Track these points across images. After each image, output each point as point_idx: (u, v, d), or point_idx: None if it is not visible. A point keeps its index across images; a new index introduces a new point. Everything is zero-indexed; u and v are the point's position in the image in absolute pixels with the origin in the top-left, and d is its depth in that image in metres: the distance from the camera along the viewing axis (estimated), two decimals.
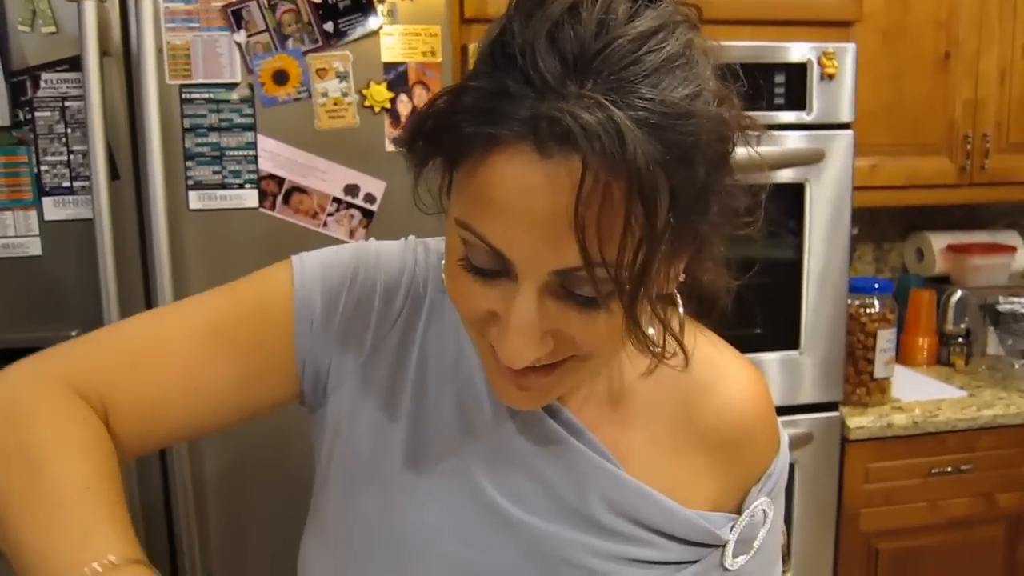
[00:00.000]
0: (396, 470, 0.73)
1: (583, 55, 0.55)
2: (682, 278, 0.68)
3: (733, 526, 0.77)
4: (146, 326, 0.76)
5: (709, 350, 0.79)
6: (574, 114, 0.53)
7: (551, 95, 0.55)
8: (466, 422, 0.74)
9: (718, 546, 0.77)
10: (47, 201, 1.54)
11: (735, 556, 0.77)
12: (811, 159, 1.97)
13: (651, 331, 0.68)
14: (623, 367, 0.76)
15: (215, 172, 1.55)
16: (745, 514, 0.77)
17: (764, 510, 0.78)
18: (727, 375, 0.79)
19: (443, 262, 0.72)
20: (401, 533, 0.72)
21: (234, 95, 1.54)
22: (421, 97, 1.59)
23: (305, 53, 1.55)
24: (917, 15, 2.32)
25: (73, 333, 1.53)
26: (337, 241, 1.60)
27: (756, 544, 0.79)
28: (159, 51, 1.50)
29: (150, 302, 1.55)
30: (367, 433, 0.74)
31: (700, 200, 0.59)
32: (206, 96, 1.53)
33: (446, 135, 0.59)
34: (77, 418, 0.69)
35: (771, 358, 2.04)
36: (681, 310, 0.70)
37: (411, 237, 0.81)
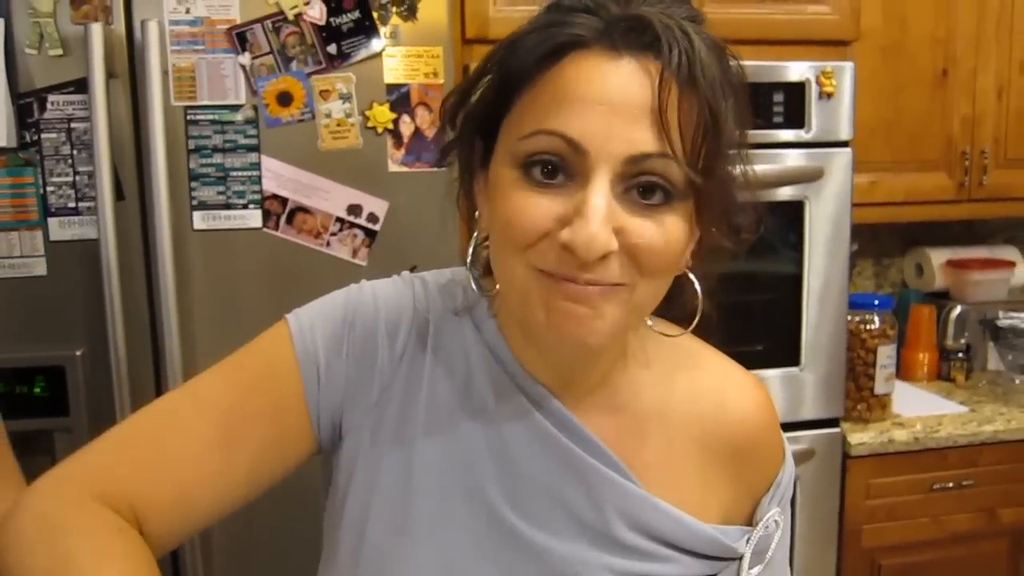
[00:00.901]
0: (414, 501, 0.73)
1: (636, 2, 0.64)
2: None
3: (748, 538, 0.78)
4: (160, 422, 0.76)
5: (715, 364, 0.82)
6: (652, 13, 0.62)
7: (612, 4, 0.63)
8: (481, 443, 0.74)
9: (734, 559, 0.78)
10: (53, 221, 1.55)
11: (750, 567, 0.78)
12: (810, 177, 1.98)
13: (649, 323, 0.75)
14: (636, 379, 0.78)
15: (219, 192, 1.57)
16: (759, 525, 0.79)
17: (776, 520, 0.80)
18: (733, 387, 0.81)
19: (449, 298, 0.75)
20: (422, 562, 0.72)
21: (238, 116, 1.56)
22: (423, 118, 1.61)
23: (309, 75, 1.56)
24: (915, 33, 2.34)
25: (78, 353, 1.54)
26: (340, 261, 1.61)
27: (769, 555, 0.80)
28: (164, 73, 1.52)
29: (154, 322, 1.56)
30: (383, 469, 0.74)
31: (739, 138, 0.67)
32: (211, 117, 1.55)
33: (515, 59, 0.65)
34: (112, 530, 0.69)
35: (772, 374, 2.05)
36: (698, 286, 0.74)
37: (404, 273, 0.81)
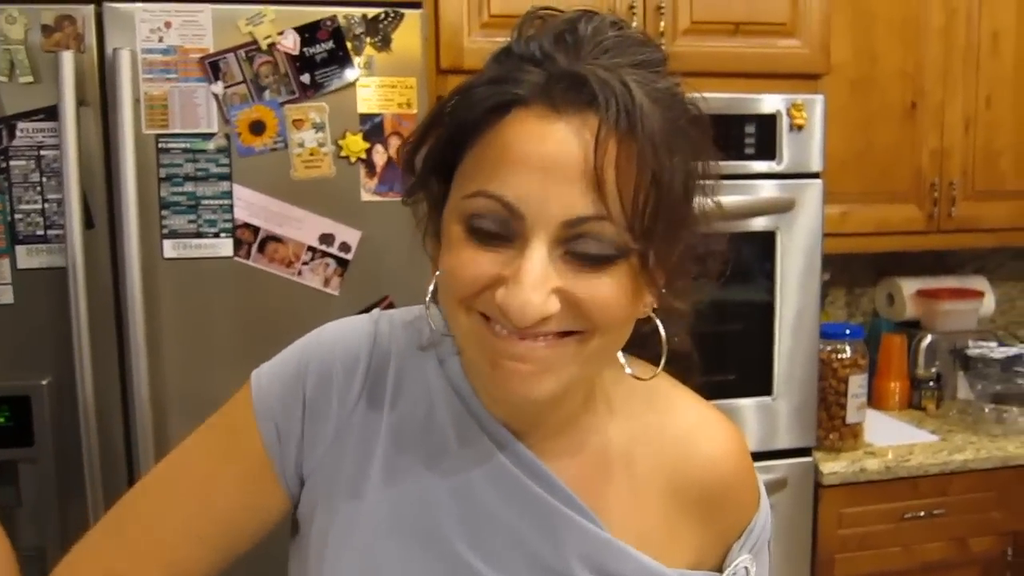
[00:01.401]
0: (373, 541, 0.73)
1: (584, 46, 0.63)
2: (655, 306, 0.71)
3: None
4: (144, 502, 0.80)
5: (687, 406, 0.80)
6: (590, 70, 0.61)
7: (558, 57, 0.63)
8: (440, 486, 0.73)
9: None
10: (20, 249, 1.53)
11: None
12: (782, 208, 2.00)
13: (628, 370, 0.73)
14: (602, 421, 0.77)
15: (190, 221, 1.56)
16: (727, 572, 0.78)
17: (746, 567, 0.79)
18: (706, 430, 0.79)
19: (413, 334, 0.75)
20: None
21: (210, 145, 1.55)
22: (397, 148, 1.61)
23: (282, 104, 1.57)
24: (884, 67, 2.38)
25: (44, 382, 1.52)
26: (312, 290, 1.61)
27: None
28: (136, 101, 1.52)
29: (123, 352, 1.55)
30: (340, 513, 0.74)
31: (687, 189, 0.65)
32: (183, 146, 1.55)
33: (463, 110, 0.64)
34: None
35: (744, 404, 2.06)
36: (662, 330, 0.72)
37: (374, 311, 0.81)
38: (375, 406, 0.75)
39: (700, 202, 0.69)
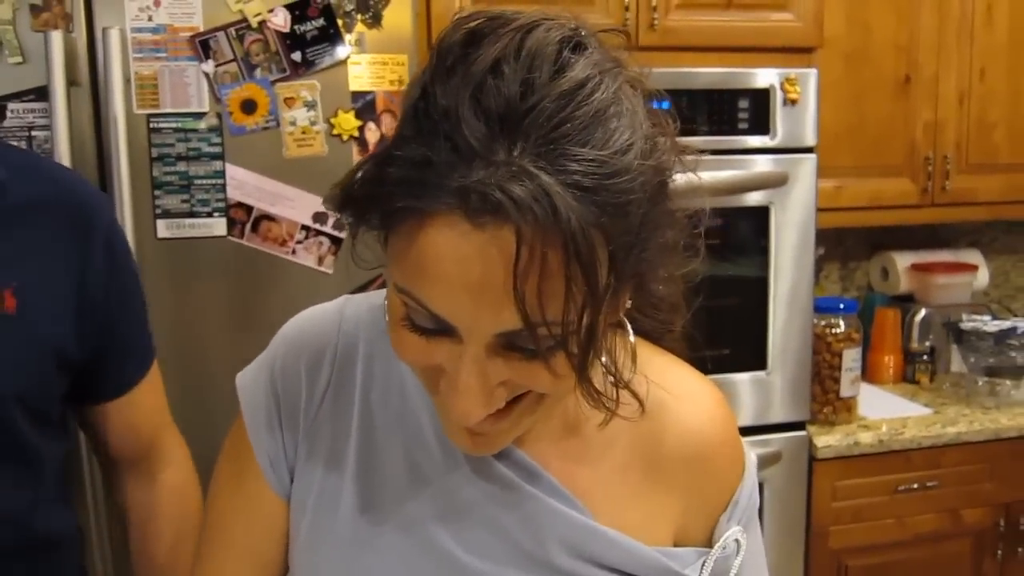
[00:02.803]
0: (352, 531, 0.72)
1: (509, 117, 0.54)
2: (629, 304, 0.67)
3: (704, 561, 0.75)
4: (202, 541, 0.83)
5: (669, 372, 0.77)
6: (503, 187, 0.52)
7: (479, 162, 0.53)
8: (418, 473, 0.73)
9: None
10: None
11: None
12: (775, 182, 2.00)
13: (604, 359, 0.66)
14: (581, 400, 0.73)
15: (183, 201, 1.56)
16: (717, 546, 0.76)
17: (737, 540, 0.76)
18: (685, 396, 0.77)
19: (384, 316, 0.73)
20: None
21: (202, 124, 1.55)
22: (389, 125, 1.61)
23: (273, 82, 1.56)
24: (878, 40, 2.37)
25: None
26: (306, 269, 1.61)
27: (732, 575, 0.77)
28: (127, 81, 1.51)
29: None
30: (320, 501, 0.74)
31: (638, 247, 0.58)
32: (174, 125, 1.54)
33: (375, 208, 0.58)
34: None
35: (739, 378, 2.07)
36: (631, 337, 0.68)
37: (343, 296, 0.81)
38: (345, 396, 0.75)
39: (667, 245, 0.64)
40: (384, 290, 0.75)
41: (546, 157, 0.53)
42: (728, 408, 0.80)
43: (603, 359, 0.63)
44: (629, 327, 0.69)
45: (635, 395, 0.67)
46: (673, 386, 0.76)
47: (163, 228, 1.56)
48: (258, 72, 1.55)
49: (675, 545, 0.76)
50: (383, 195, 0.56)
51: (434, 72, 0.57)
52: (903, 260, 2.69)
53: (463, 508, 0.72)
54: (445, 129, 0.54)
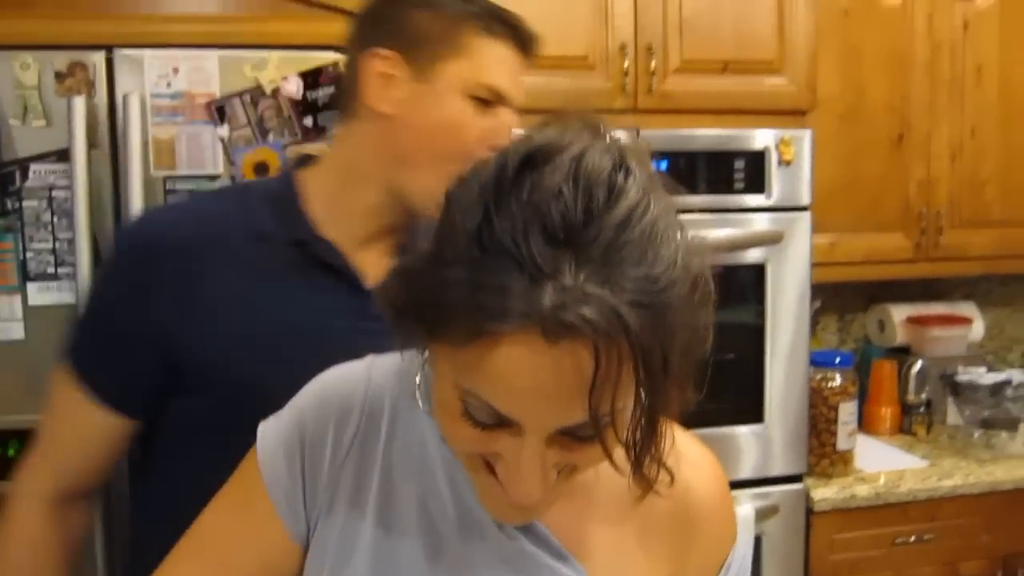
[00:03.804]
0: None
1: (574, 242, 0.58)
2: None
3: None
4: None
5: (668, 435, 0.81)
6: (576, 309, 0.57)
7: (549, 285, 0.57)
8: (433, 534, 0.77)
9: None
10: (31, 286, 1.58)
11: None
12: (771, 240, 2.05)
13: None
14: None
15: None
16: None
17: None
18: (684, 460, 0.80)
19: (407, 382, 0.78)
20: None
21: (216, 186, 1.60)
22: None
23: (285, 146, 1.62)
24: (871, 99, 2.45)
25: None
26: None
27: None
28: (145, 144, 1.57)
29: None
30: (339, 551, 0.77)
31: (681, 343, 0.63)
32: (189, 187, 1.60)
33: (441, 325, 0.61)
34: None
35: (737, 431, 2.10)
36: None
37: (369, 357, 0.84)
38: (369, 454, 0.79)
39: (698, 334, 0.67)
40: (409, 354, 0.79)
41: (608, 278, 0.58)
42: (722, 472, 0.84)
43: (656, 447, 0.67)
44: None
45: (670, 473, 0.73)
46: (680, 455, 0.79)
47: None
48: (271, 136, 1.61)
49: None
50: (449, 315, 0.60)
51: (496, 195, 0.61)
52: (899, 313, 2.74)
53: (473, 571, 0.75)
54: (514, 254, 0.58)
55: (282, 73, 1.61)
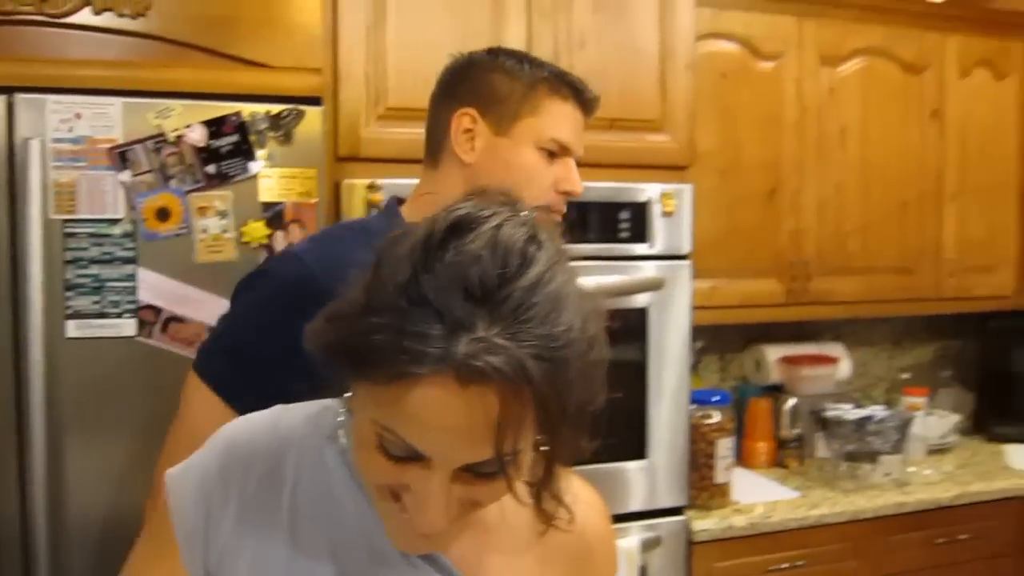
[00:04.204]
0: None
1: (488, 301, 0.67)
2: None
3: None
4: None
5: (564, 484, 0.88)
6: (486, 358, 0.65)
7: (464, 336, 0.66)
8: (342, 568, 0.82)
9: None
10: None
11: None
12: (654, 287, 2.19)
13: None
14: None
15: (95, 302, 1.62)
16: None
17: None
18: (579, 500, 0.89)
19: (321, 424, 0.85)
20: None
21: (116, 230, 1.63)
22: (296, 234, 1.72)
23: (187, 192, 1.66)
24: (747, 156, 2.64)
25: None
26: None
27: None
28: (45, 188, 1.58)
29: (21, 428, 1.59)
30: None
31: (576, 395, 0.72)
32: (89, 231, 1.62)
33: (365, 365, 0.69)
34: None
35: (622, 466, 2.22)
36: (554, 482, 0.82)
37: (278, 406, 0.91)
38: (276, 498, 0.84)
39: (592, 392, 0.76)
40: (319, 403, 0.88)
41: (516, 333, 0.67)
42: (607, 509, 0.94)
43: (553, 485, 0.77)
44: None
45: (569, 511, 0.82)
46: (572, 496, 0.88)
47: (72, 328, 1.62)
48: (173, 182, 1.65)
49: None
50: (374, 356, 0.68)
51: (424, 256, 0.69)
52: (773, 353, 2.93)
53: None
54: (436, 307, 0.67)
55: (186, 121, 1.65)
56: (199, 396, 1.24)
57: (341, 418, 0.81)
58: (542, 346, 0.67)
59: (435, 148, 1.36)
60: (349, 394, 0.77)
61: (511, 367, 0.65)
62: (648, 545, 2.22)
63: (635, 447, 2.23)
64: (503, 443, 0.67)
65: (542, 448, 0.70)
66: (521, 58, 1.35)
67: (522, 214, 0.74)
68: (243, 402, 1.15)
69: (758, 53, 2.66)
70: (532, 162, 1.31)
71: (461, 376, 0.66)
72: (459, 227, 0.70)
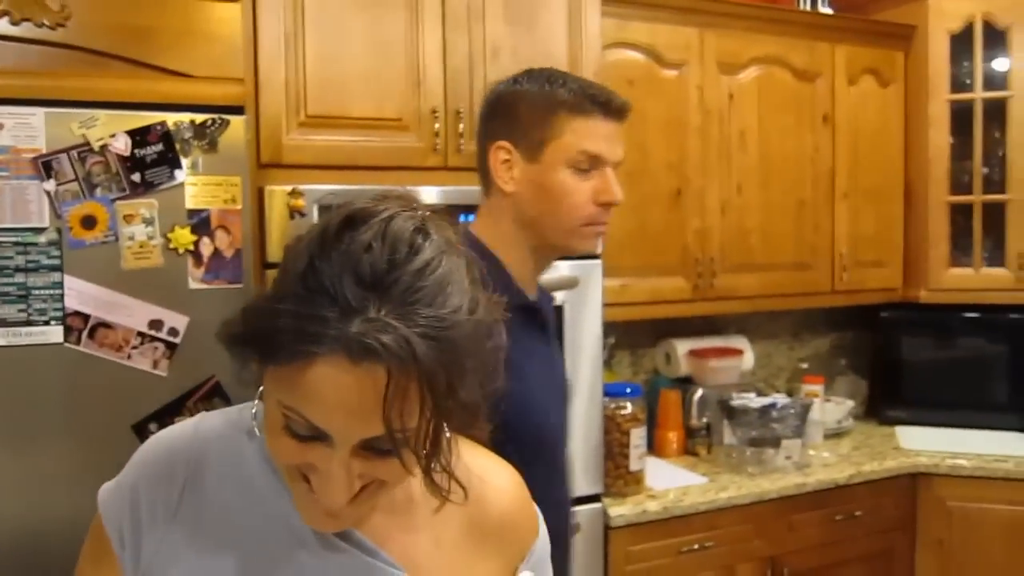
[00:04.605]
0: None
1: (379, 285, 0.73)
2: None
3: None
4: None
5: (472, 457, 0.98)
6: (377, 337, 0.71)
7: (357, 317, 0.72)
8: (270, 556, 0.88)
9: None
10: None
11: None
12: (568, 285, 2.30)
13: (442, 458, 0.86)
14: (406, 483, 0.92)
15: (20, 310, 1.64)
16: None
17: None
18: (490, 476, 0.98)
19: (240, 424, 0.91)
20: None
21: (42, 238, 1.65)
22: (223, 239, 1.77)
23: (113, 200, 1.69)
24: (654, 159, 2.78)
25: None
26: (142, 372, 1.72)
27: None
28: None
29: None
30: None
31: (466, 375, 0.79)
32: (14, 239, 1.63)
33: (270, 349, 0.75)
34: None
35: None
36: (447, 433, 0.86)
37: (201, 414, 0.97)
38: (201, 498, 0.90)
39: (488, 377, 0.83)
40: (238, 406, 0.95)
41: (405, 315, 0.73)
42: (522, 481, 1.03)
43: (442, 459, 0.83)
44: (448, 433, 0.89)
45: (461, 485, 0.88)
46: (484, 472, 0.98)
47: None
48: (99, 191, 1.68)
49: None
50: (278, 341, 0.74)
51: (318, 248, 0.76)
52: (683, 347, 3.08)
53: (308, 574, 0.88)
54: (331, 292, 0.73)
55: (111, 130, 1.68)
56: None
57: (255, 410, 0.88)
58: (429, 326, 0.73)
59: (484, 180, 1.45)
60: (262, 388, 0.83)
61: (398, 345, 0.72)
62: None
63: None
64: (391, 416, 0.73)
65: (431, 425, 0.76)
66: (544, 80, 1.40)
67: (414, 209, 0.80)
68: None
69: (662, 61, 2.80)
70: (565, 182, 1.36)
71: (353, 354, 0.72)
72: (352, 220, 0.77)
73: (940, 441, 3.11)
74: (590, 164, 1.37)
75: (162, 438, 0.95)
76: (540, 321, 1.45)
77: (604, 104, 1.38)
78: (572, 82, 1.39)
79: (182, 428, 0.95)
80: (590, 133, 1.37)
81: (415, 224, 0.78)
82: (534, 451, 1.25)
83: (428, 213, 0.82)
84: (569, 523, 1.51)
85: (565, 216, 1.38)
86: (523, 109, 1.38)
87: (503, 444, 1.28)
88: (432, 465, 0.80)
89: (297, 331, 0.73)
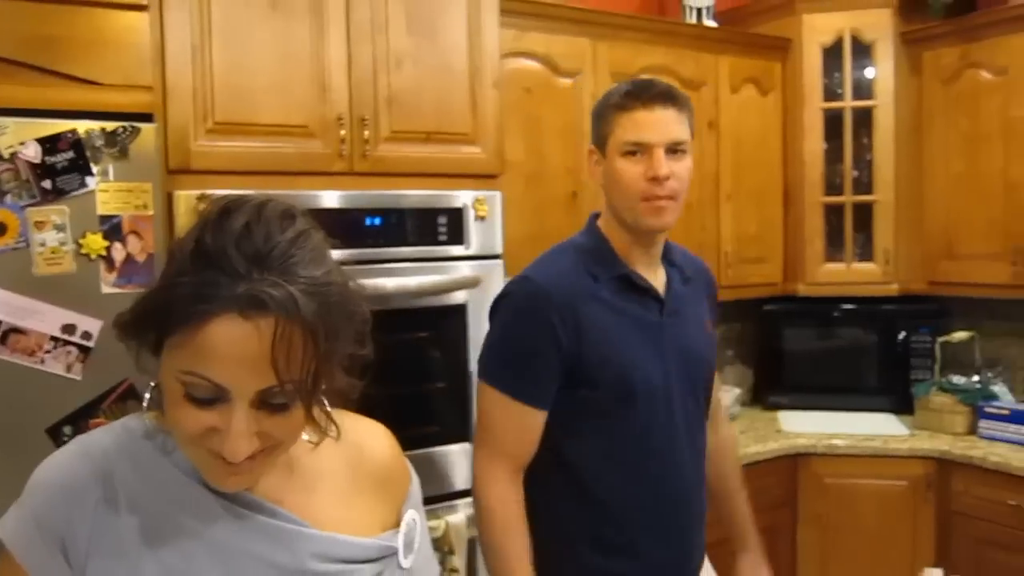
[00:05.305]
0: None
1: (259, 253, 0.85)
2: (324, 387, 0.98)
3: (399, 534, 1.09)
4: None
5: (352, 423, 1.10)
6: (266, 291, 0.83)
7: (244, 280, 0.84)
8: (192, 542, 0.95)
9: (393, 555, 1.08)
10: None
11: (405, 556, 1.09)
12: (471, 284, 2.41)
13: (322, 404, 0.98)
14: (302, 450, 1.04)
15: None
16: (403, 525, 1.10)
17: (414, 518, 1.12)
18: (368, 436, 1.12)
19: (135, 429, 0.98)
20: None
21: None
22: (135, 245, 1.81)
23: (24, 207, 1.71)
24: (550, 164, 2.92)
25: None
26: (55, 376, 1.75)
27: (416, 544, 1.11)
28: None
29: None
30: None
31: (342, 331, 0.92)
32: None
33: (167, 318, 0.86)
34: None
35: (448, 449, 2.42)
36: (326, 403, 1.00)
37: (80, 436, 1.00)
38: (117, 509, 0.94)
39: (356, 339, 0.95)
40: (119, 420, 1.02)
41: (285, 276, 0.86)
42: (393, 437, 1.16)
43: (322, 404, 0.95)
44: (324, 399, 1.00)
45: (334, 422, 1.00)
46: (361, 431, 1.12)
47: None
48: (9, 198, 1.70)
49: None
50: (173, 308, 0.85)
51: (203, 229, 0.88)
52: None
53: (230, 552, 0.97)
54: (218, 264, 0.85)
55: (20, 138, 1.71)
56: (490, 399, 1.67)
57: (145, 403, 0.95)
58: (308, 284, 0.86)
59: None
60: (153, 384, 0.93)
61: (284, 297, 0.84)
62: (474, 520, 2.43)
63: (459, 431, 2.44)
64: (279, 363, 0.83)
65: (312, 376, 0.87)
66: (613, 91, 1.70)
67: (279, 200, 0.93)
68: (526, 394, 1.64)
69: (558, 70, 2.95)
70: (619, 167, 1.66)
71: (244, 310, 0.83)
72: (228, 208, 0.89)
73: (818, 423, 3.36)
74: (637, 149, 1.64)
75: (54, 471, 0.97)
76: (641, 290, 1.70)
77: (641, 97, 1.65)
78: (626, 85, 1.69)
79: (69, 456, 0.98)
80: (633, 124, 1.64)
81: (283, 208, 0.92)
82: (619, 401, 1.63)
83: (290, 204, 0.95)
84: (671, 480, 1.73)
85: (624, 195, 1.66)
86: (595, 117, 1.73)
87: (590, 387, 1.64)
88: (313, 403, 0.91)
89: (192, 296, 0.84)
